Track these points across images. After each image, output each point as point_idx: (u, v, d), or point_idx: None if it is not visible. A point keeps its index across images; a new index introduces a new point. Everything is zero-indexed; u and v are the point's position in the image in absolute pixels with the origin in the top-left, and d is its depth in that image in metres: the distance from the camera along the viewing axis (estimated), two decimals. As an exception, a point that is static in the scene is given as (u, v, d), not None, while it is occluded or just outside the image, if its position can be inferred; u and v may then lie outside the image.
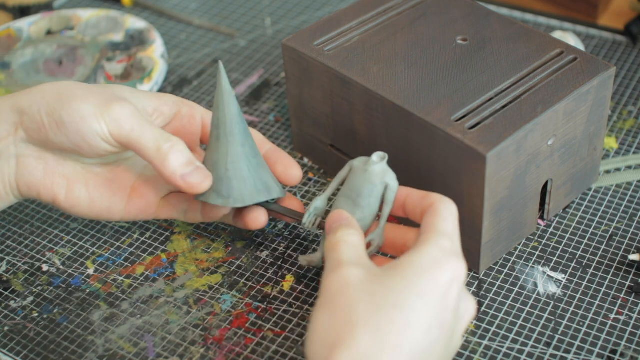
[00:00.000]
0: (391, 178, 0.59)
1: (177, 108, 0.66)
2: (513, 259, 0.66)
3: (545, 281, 0.65)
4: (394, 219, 0.67)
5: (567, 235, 0.68)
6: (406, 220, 0.60)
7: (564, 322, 0.62)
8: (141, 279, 0.67)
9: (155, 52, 0.87)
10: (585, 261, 0.66)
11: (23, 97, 0.62)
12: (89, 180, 0.64)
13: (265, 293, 0.65)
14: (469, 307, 0.54)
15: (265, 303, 0.64)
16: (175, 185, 0.61)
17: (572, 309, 0.62)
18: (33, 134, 0.61)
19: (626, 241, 0.67)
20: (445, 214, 0.54)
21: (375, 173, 0.59)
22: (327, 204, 0.63)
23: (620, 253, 0.66)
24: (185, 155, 0.61)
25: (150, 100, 0.64)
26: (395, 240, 0.59)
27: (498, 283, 0.65)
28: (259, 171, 0.63)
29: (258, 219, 0.65)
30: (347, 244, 0.54)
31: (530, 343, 0.60)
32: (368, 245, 0.59)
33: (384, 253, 0.62)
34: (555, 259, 0.66)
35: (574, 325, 0.61)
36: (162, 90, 0.86)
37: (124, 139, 0.60)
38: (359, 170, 0.60)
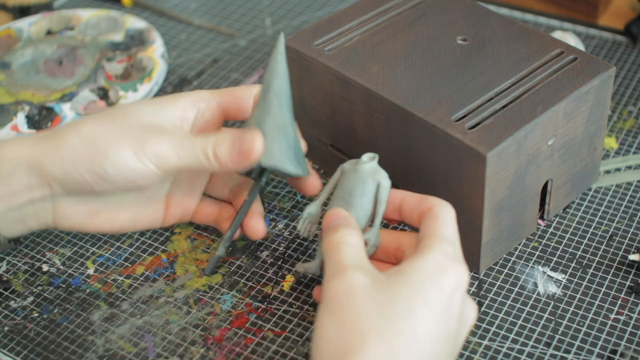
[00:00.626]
0: (383, 177, 0.59)
1: (195, 107, 0.65)
2: (513, 259, 0.66)
3: (545, 281, 0.65)
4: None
5: (567, 235, 0.68)
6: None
7: (564, 322, 0.62)
8: (141, 279, 0.67)
9: (155, 52, 0.87)
10: (585, 261, 0.66)
11: (48, 159, 0.59)
12: (130, 205, 0.65)
13: (265, 293, 0.65)
14: (471, 311, 0.54)
15: (265, 303, 0.64)
16: (240, 169, 0.61)
17: (572, 309, 0.62)
18: (74, 189, 0.61)
19: (626, 241, 0.67)
20: (445, 219, 0.54)
21: (366, 172, 0.59)
22: (320, 210, 0.63)
23: (620, 253, 0.66)
24: (228, 140, 0.60)
25: (173, 111, 0.63)
26: (387, 244, 0.59)
27: (498, 283, 0.65)
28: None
29: (258, 229, 0.65)
30: (348, 246, 0.54)
31: (530, 343, 0.60)
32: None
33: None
34: (555, 259, 0.66)
35: (574, 325, 0.61)
36: (161, 90, 0.86)
37: (174, 168, 0.61)
38: (350, 172, 0.60)
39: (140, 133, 0.60)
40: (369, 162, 0.59)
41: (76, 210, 0.63)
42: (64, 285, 0.67)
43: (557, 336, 0.61)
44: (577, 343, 0.60)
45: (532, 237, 0.68)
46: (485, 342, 0.61)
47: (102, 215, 0.64)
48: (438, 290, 0.50)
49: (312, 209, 0.62)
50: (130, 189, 0.62)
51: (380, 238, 0.59)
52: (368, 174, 0.59)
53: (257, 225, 0.65)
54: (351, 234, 0.55)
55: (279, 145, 0.62)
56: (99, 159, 0.59)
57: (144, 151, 0.59)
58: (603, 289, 0.64)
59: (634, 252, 0.65)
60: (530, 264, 0.66)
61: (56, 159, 0.60)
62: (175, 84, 0.87)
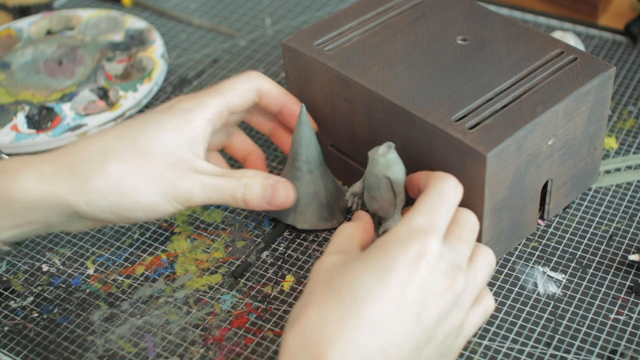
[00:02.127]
0: (394, 171, 0.61)
1: (211, 125, 0.64)
2: (513, 259, 0.66)
3: (545, 281, 0.65)
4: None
5: (567, 235, 0.68)
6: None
7: (564, 322, 0.62)
8: (141, 279, 0.67)
9: (155, 52, 0.87)
10: (585, 261, 0.66)
11: (74, 199, 0.58)
12: None
13: (265, 293, 0.65)
14: (483, 304, 0.54)
15: (265, 303, 0.64)
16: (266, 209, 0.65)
17: (572, 309, 0.62)
18: (96, 220, 0.61)
19: (626, 241, 0.67)
20: (431, 191, 0.54)
21: (378, 168, 0.61)
22: (362, 188, 0.65)
23: (620, 253, 0.66)
24: (258, 187, 0.63)
25: (190, 134, 0.62)
26: (411, 182, 0.61)
27: (498, 283, 0.65)
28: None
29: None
30: (338, 236, 0.56)
31: (530, 343, 0.60)
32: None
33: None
34: (555, 259, 0.66)
35: (574, 325, 0.61)
36: (161, 90, 0.86)
37: (197, 204, 0.62)
38: (370, 163, 0.62)
39: (167, 173, 0.60)
40: (381, 157, 0.61)
41: (89, 224, 0.64)
42: (64, 285, 0.67)
43: (557, 336, 0.61)
44: (577, 343, 0.60)
45: (532, 237, 0.68)
46: (485, 342, 0.61)
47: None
48: (392, 261, 0.49)
49: (356, 188, 0.66)
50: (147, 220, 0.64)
51: None
52: (380, 170, 0.61)
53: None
54: (349, 225, 0.57)
55: (312, 209, 0.68)
56: (128, 205, 0.59)
57: (174, 195, 0.60)
58: (603, 289, 0.64)
59: (634, 252, 0.65)
60: (530, 264, 0.66)
61: (82, 199, 0.59)
62: (175, 84, 0.87)
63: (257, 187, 0.63)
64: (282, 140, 0.72)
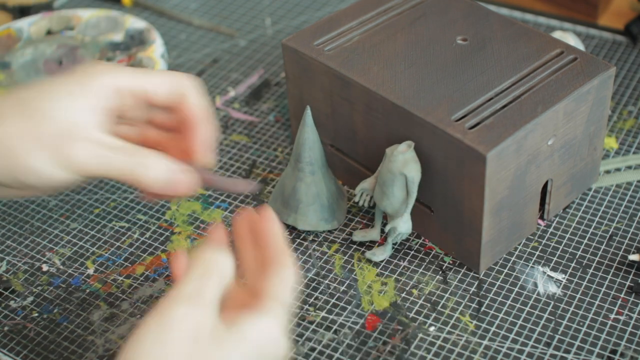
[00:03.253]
0: (411, 169, 0.62)
1: (116, 96, 0.58)
2: (513, 259, 0.66)
3: (545, 281, 0.65)
4: None
5: (567, 235, 0.68)
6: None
7: (564, 322, 0.62)
8: (141, 279, 0.67)
9: (155, 52, 0.87)
10: (585, 261, 0.66)
11: None
12: None
13: (265, 293, 0.65)
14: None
15: (265, 303, 0.64)
16: (164, 193, 0.58)
17: (572, 309, 0.62)
18: None
19: (626, 241, 0.67)
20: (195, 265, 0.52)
21: (394, 164, 0.62)
22: (374, 184, 0.66)
23: (620, 253, 0.66)
24: (162, 171, 0.57)
25: (89, 101, 0.57)
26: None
27: (498, 283, 0.65)
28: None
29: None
30: (216, 279, 0.51)
31: (530, 343, 0.60)
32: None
33: None
34: (555, 259, 0.66)
35: (574, 325, 0.61)
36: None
37: (91, 175, 0.57)
38: (386, 159, 0.63)
39: (57, 140, 0.56)
40: (400, 154, 0.62)
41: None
42: (64, 285, 0.67)
43: (557, 336, 0.61)
44: (577, 343, 0.60)
45: (532, 237, 0.68)
46: (485, 342, 0.61)
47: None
48: (166, 321, 0.48)
49: (366, 185, 0.66)
50: (51, 190, 0.59)
51: (410, 225, 0.64)
52: (397, 166, 0.62)
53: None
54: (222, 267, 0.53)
55: (314, 210, 0.68)
56: (18, 169, 0.57)
57: (65, 162, 0.56)
58: (603, 289, 0.64)
59: (634, 252, 0.65)
60: (530, 264, 0.66)
61: None
62: (175, 84, 0.87)
63: (160, 171, 0.57)
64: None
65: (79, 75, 0.58)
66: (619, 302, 0.63)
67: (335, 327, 0.62)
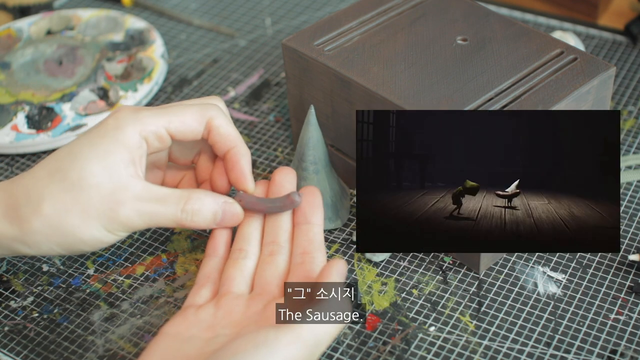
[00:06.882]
0: None
1: (144, 142, 0.60)
2: (513, 259, 0.66)
3: (545, 281, 0.65)
4: None
5: (567, 235, 0.68)
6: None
7: (564, 322, 0.62)
8: (141, 279, 0.67)
9: (155, 52, 0.87)
10: (585, 261, 0.66)
11: (18, 244, 0.59)
12: None
13: (265, 293, 0.65)
14: None
15: (265, 303, 0.64)
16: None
17: (572, 309, 0.62)
18: (45, 255, 0.62)
19: (626, 241, 0.67)
20: None
21: None
22: None
23: (620, 253, 0.66)
24: (207, 210, 0.60)
25: (122, 155, 0.58)
26: None
27: (498, 283, 0.65)
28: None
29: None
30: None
31: (530, 343, 0.60)
32: None
33: None
34: (555, 259, 0.66)
35: (574, 325, 0.61)
36: (162, 90, 0.86)
37: (141, 229, 0.61)
38: None
39: (103, 207, 0.57)
40: None
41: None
42: (64, 285, 0.67)
43: (557, 336, 0.61)
44: (577, 343, 0.60)
45: (532, 237, 0.68)
46: (485, 342, 0.61)
47: None
48: None
49: None
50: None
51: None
52: None
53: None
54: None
55: None
56: (71, 242, 0.58)
57: (114, 226, 0.58)
58: (603, 289, 0.64)
59: (634, 252, 0.65)
60: (530, 264, 0.66)
61: (27, 243, 0.59)
62: (175, 84, 0.87)
63: (206, 213, 0.60)
64: (217, 183, 0.64)
65: (104, 131, 0.59)
66: (619, 302, 0.63)
67: (335, 327, 0.62)
